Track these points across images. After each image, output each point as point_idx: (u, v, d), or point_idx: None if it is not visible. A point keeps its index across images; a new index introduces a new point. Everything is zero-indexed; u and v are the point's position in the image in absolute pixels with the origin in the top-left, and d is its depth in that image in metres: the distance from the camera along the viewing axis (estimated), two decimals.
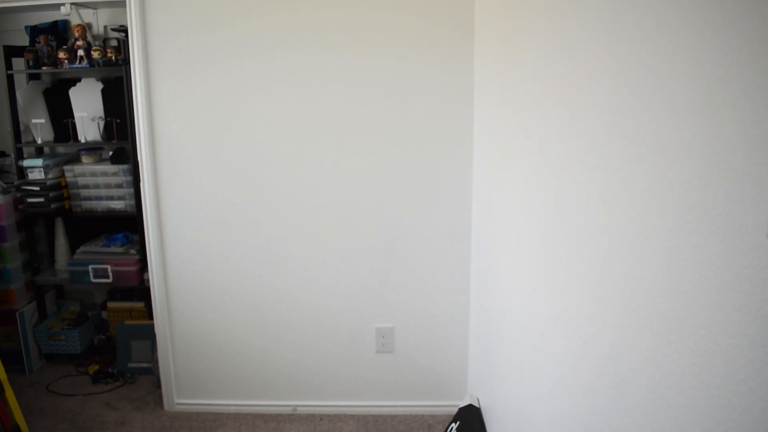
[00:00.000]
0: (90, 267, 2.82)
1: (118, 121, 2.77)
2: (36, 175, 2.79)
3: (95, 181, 2.83)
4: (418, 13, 2.17)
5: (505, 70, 1.69)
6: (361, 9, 2.18)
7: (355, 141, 2.28)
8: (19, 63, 2.87)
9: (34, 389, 2.73)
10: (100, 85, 2.78)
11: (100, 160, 2.89)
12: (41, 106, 2.87)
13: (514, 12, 1.57)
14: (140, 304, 2.95)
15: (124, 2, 2.21)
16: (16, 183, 2.87)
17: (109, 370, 2.83)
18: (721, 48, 0.60)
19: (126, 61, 2.56)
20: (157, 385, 2.60)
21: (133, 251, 2.86)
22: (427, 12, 2.17)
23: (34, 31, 2.81)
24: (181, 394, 2.54)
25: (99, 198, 2.85)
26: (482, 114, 2.11)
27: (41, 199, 2.78)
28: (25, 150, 2.95)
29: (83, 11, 2.82)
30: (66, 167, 2.84)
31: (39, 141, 2.86)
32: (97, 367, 2.86)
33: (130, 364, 2.84)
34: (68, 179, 2.85)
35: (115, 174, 2.81)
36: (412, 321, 2.42)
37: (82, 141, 2.81)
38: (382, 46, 2.20)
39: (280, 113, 2.27)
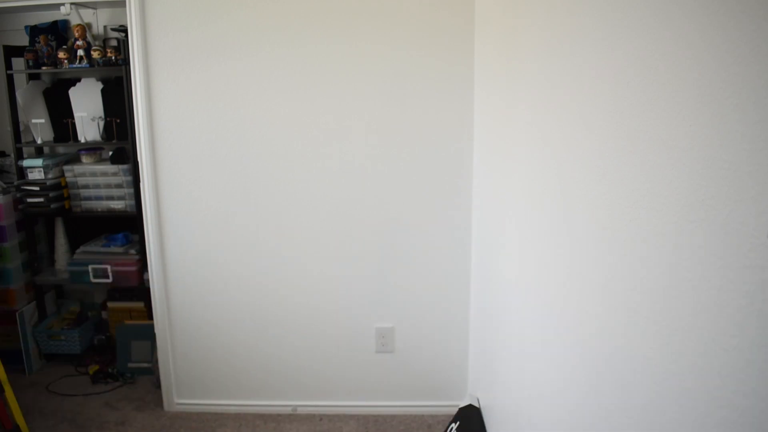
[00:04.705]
0: (90, 267, 2.81)
1: (118, 121, 2.77)
2: (36, 175, 2.78)
3: (95, 181, 2.83)
4: (420, 3, 2.17)
5: (505, 70, 1.69)
6: None
7: (354, 139, 2.28)
8: (19, 63, 2.86)
9: (34, 389, 2.73)
10: (100, 85, 2.78)
11: (100, 160, 2.89)
12: (41, 106, 2.87)
13: (515, 5, 1.57)
14: (140, 304, 2.95)
15: (124, 2, 2.21)
16: (16, 183, 2.87)
17: (109, 370, 2.83)
18: (724, 47, 0.60)
19: (126, 61, 2.56)
20: (157, 385, 2.60)
21: (133, 251, 2.85)
22: (427, 4, 2.17)
23: (34, 31, 2.80)
24: (181, 394, 2.54)
25: (99, 198, 2.85)
26: (483, 111, 2.11)
27: (41, 199, 2.78)
28: (25, 150, 2.95)
29: (83, 11, 2.82)
30: (66, 167, 2.83)
31: (39, 141, 2.86)
32: (96, 367, 2.85)
33: (130, 364, 2.84)
34: (68, 179, 2.85)
35: (115, 174, 2.81)
36: (412, 321, 2.42)
37: (82, 141, 2.81)
38: (384, 41, 2.20)
39: (280, 110, 2.27)
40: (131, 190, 2.80)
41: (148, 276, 2.47)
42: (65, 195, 2.86)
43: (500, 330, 1.83)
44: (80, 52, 2.70)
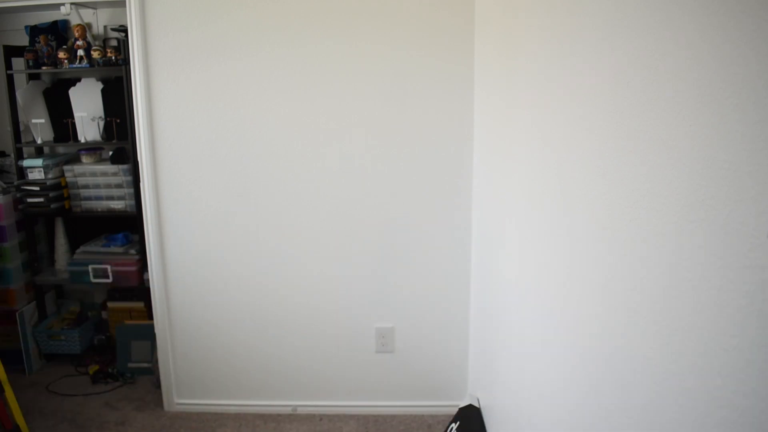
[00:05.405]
0: (90, 267, 2.81)
1: (118, 120, 2.77)
2: (36, 175, 2.78)
3: (95, 181, 2.83)
4: (420, 3, 2.17)
5: (505, 70, 1.69)
6: None
7: (354, 139, 2.28)
8: (19, 63, 2.86)
9: (34, 389, 2.73)
10: (100, 85, 2.78)
11: (100, 160, 2.89)
12: (41, 106, 2.87)
13: (515, 5, 1.57)
14: (140, 304, 2.95)
15: (124, 2, 2.21)
16: (16, 183, 2.87)
17: (109, 370, 2.83)
18: (724, 47, 0.60)
19: (126, 61, 2.56)
20: (157, 385, 2.60)
21: (133, 251, 2.85)
22: (427, 4, 2.17)
23: (34, 31, 2.80)
24: (181, 394, 2.54)
25: (99, 198, 2.85)
26: (483, 112, 2.11)
27: (41, 199, 2.78)
28: (25, 150, 2.95)
29: (83, 11, 2.82)
30: (66, 167, 2.83)
31: (39, 141, 2.86)
32: (97, 367, 2.85)
33: (130, 364, 2.84)
34: (68, 179, 2.85)
35: (115, 174, 2.81)
36: (412, 321, 2.42)
37: (82, 141, 2.81)
38: (384, 41, 2.20)
39: (280, 110, 2.27)
40: (131, 190, 2.80)
41: (148, 276, 2.47)
42: (65, 195, 2.86)
43: (500, 330, 1.83)
44: (80, 52, 2.70)
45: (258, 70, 2.24)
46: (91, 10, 2.85)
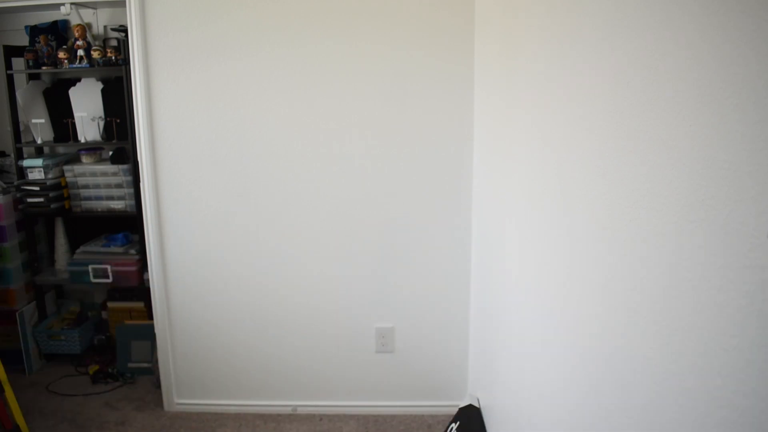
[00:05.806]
0: (90, 267, 2.81)
1: (118, 120, 2.77)
2: (36, 175, 2.78)
3: (95, 181, 2.83)
4: (420, 3, 2.17)
5: (505, 70, 1.69)
6: None
7: (354, 139, 2.28)
8: (19, 63, 2.86)
9: (34, 389, 2.73)
10: (100, 85, 2.78)
11: (100, 160, 2.89)
12: (41, 106, 2.87)
13: (515, 5, 1.57)
14: (140, 304, 2.95)
15: (124, 2, 2.21)
16: (16, 183, 2.87)
17: (109, 370, 2.83)
18: (724, 47, 0.60)
19: (126, 61, 2.56)
20: (157, 385, 2.60)
21: (133, 251, 2.85)
22: (427, 4, 2.17)
23: (34, 30, 2.80)
24: (181, 394, 2.54)
25: (99, 198, 2.85)
26: (483, 111, 2.11)
27: (41, 199, 2.78)
28: (25, 150, 2.95)
29: (83, 11, 2.82)
30: (66, 167, 2.83)
31: (39, 141, 2.86)
32: (96, 367, 2.85)
33: (130, 364, 2.84)
34: (68, 179, 2.85)
35: (115, 174, 2.81)
36: (412, 321, 2.42)
37: (82, 141, 2.81)
38: (384, 41, 2.20)
39: (280, 110, 2.27)
40: (131, 190, 2.80)
41: (148, 276, 2.47)
42: (65, 195, 2.86)
43: (500, 330, 1.83)
44: (80, 52, 2.70)
45: (258, 70, 2.24)
46: (91, 10, 2.85)
